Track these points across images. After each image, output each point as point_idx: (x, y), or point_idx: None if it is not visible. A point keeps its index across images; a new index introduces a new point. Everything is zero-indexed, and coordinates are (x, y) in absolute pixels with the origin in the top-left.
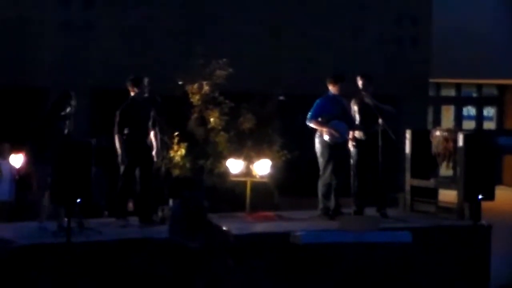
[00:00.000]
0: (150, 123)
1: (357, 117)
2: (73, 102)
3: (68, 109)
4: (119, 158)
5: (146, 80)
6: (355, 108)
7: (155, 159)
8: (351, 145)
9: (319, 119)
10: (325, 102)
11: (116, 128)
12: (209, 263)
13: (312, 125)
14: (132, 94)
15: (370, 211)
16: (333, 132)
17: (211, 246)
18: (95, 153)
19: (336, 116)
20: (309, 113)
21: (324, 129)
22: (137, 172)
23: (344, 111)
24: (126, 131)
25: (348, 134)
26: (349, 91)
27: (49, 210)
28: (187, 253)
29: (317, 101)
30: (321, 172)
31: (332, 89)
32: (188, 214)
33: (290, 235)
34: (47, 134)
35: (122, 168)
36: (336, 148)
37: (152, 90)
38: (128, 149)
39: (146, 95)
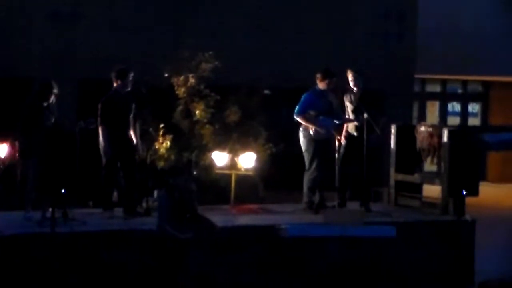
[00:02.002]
0: (131, 116)
1: (350, 111)
2: (55, 91)
3: (51, 98)
4: (102, 150)
5: (131, 75)
6: (347, 103)
7: (139, 151)
8: (342, 138)
9: (306, 113)
10: (313, 97)
11: (99, 119)
12: (195, 254)
13: (299, 119)
14: (115, 85)
15: (354, 205)
16: (319, 128)
17: (199, 237)
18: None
19: (322, 111)
20: (297, 107)
21: (310, 125)
22: (119, 164)
23: (331, 106)
24: (108, 123)
25: (333, 129)
26: (336, 86)
27: (34, 200)
28: (176, 244)
29: (305, 95)
30: (307, 167)
31: (320, 84)
32: (173, 201)
33: (274, 228)
34: (32, 124)
35: (104, 160)
36: (321, 143)
37: (137, 81)
38: (110, 141)
39: (128, 89)
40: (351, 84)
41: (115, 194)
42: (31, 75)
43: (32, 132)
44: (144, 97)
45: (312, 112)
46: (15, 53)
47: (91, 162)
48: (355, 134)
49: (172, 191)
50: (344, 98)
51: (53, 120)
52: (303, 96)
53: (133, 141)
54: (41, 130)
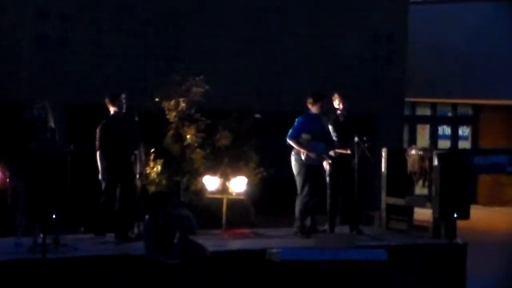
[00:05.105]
0: (133, 140)
1: (333, 136)
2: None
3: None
4: (100, 175)
5: (123, 96)
6: (330, 127)
7: (137, 176)
8: (326, 163)
9: (299, 137)
10: (306, 121)
11: (97, 145)
12: (185, 279)
13: (291, 143)
14: (111, 110)
15: (344, 229)
16: (311, 154)
17: (188, 262)
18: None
19: (316, 136)
20: (290, 130)
21: (302, 150)
22: (118, 189)
23: (324, 130)
24: (106, 148)
25: (325, 154)
26: (326, 109)
27: (25, 226)
28: (164, 270)
29: (298, 119)
30: (299, 191)
31: (312, 108)
32: (158, 228)
33: (266, 252)
34: (21, 147)
35: (103, 185)
36: (312, 168)
37: (128, 107)
38: (110, 166)
39: (124, 110)
40: (339, 108)
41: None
42: (19, 101)
43: (21, 156)
44: (136, 123)
45: (305, 136)
46: (3, 78)
47: (82, 187)
48: (332, 154)
49: (156, 218)
50: (328, 122)
51: (50, 144)
52: (296, 120)
53: (132, 166)
54: (30, 154)
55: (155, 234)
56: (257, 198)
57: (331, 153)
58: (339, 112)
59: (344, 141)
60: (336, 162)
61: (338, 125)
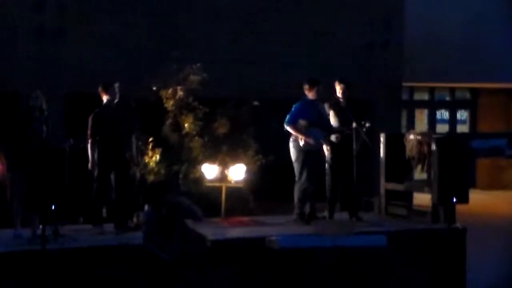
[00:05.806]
0: (126, 129)
1: (334, 121)
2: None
3: (35, 110)
4: (90, 165)
5: (116, 85)
6: (331, 112)
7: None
8: (326, 149)
9: (297, 123)
10: (303, 107)
11: (88, 133)
12: (184, 269)
13: (288, 129)
14: (104, 99)
15: (344, 216)
16: (309, 140)
17: (187, 251)
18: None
19: (313, 121)
20: (287, 116)
21: (300, 136)
22: (112, 178)
23: (321, 115)
24: (98, 137)
25: (323, 140)
26: (323, 95)
27: (24, 217)
28: (160, 262)
29: (295, 105)
30: (297, 178)
31: (308, 93)
32: (160, 217)
33: (265, 240)
34: (19, 138)
35: (95, 174)
36: (310, 153)
37: (126, 95)
38: (103, 155)
39: (116, 99)
40: (340, 95)
41: (103, 210)
42: (17, 91)
43: (18, 146)
44: (134, 111)
45: (302, 122)
46: (0, 68)
47: (80, 178)
48: (334, 140)
49: (159, 208)
50: (329, 108)
51: (44, 134)
52: (293, 106)
53: (126, 155)
54: (28, 144)
55: (156, 223)
56: (256, 185)
57: (333, 138)
58: (339, 98)
59: (345, 127)
60: (335, 148)
61: (339, 110)
